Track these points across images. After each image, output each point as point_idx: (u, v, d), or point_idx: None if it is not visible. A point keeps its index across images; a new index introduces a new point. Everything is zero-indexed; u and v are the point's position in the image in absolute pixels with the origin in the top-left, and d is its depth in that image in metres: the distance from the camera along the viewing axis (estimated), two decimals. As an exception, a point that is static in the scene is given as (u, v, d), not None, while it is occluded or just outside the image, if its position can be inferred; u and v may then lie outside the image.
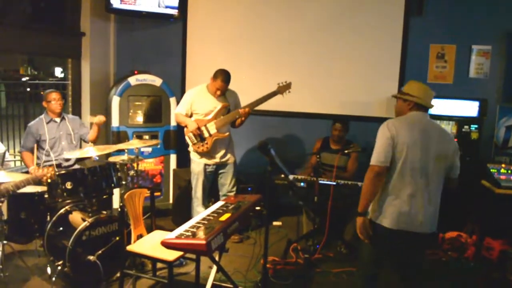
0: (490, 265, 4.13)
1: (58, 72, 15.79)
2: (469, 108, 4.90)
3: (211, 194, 4.63)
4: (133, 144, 4.13)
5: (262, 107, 4.38)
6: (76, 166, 4.33)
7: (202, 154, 4.35)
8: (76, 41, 5.32)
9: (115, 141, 4.97)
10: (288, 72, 5.27)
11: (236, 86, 4.45)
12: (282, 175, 4.21)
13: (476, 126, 4.87)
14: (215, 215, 2.77)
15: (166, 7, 5.46)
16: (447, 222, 4.57)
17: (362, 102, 5.41)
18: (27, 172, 3.97)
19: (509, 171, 4.51)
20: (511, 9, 5.08)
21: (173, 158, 5.40)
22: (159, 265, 3.56)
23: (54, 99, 4.22)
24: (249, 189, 4.97)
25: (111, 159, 4.24)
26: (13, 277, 3.56)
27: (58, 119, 4.29)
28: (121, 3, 5.24)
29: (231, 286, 3.19)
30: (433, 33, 5.28)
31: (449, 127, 4.94)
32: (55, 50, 5.29)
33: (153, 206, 3.63)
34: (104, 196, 3.93)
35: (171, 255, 2.96)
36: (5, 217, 3.48)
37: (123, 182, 4.03)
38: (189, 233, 2.44)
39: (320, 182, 4.14)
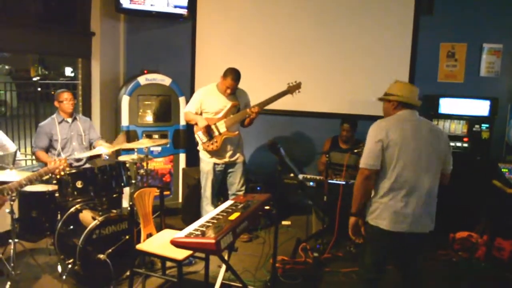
0: (501, 266, 4.09)
1: (69, 71, 15.92)
2: (480, 107, 4.86)
3: (220, 193, 4.64)
4: (143, 143, 4.16)
5: (271, 106, 4.37)
6: (87, 165, 4.36)
7: (211, 153, 4.36)
8: (86, 41, 5.36)
9: (125, 140, 4.99)
10: (297, 71, 5.27)
11: (246, 85, 4.45)
12: (292, 174, 4.21)
13: (487, 125, 4.83)
14: (224, 214, 2.77)
15: (175, 6, 5.48)
16: (457, 222, 4.57)
17: (372, 101, 5.36)
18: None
19: (521, 171, 4.46)
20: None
21: (182, 157, 5.42)
22: (168, 264, 3.58)
23: (66, 99, 4.23)
24: (258, 188, 4.98)
25: (121, 158, 4.27)
26: (24, 275, 3.60)
27: (70, 119, 4.30)
28: (130, 3, 5.27)
29: (240, 285, 3.19)
30: (443, 32, 5.24)
31: (460, 127, 4.90)
32: (66, 50, 5.33)
33: (162, 205, 3.65)
34: (114, 195, 3.96)
35: (181, 254, 2.97)
36: (16, 215, 3.51)
37: (133, 181, 4.06)
38: (199, 232, 2.44)
39: (330, 181, 4.13)
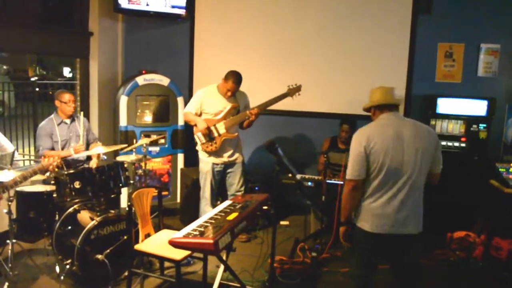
0: (499, 265, 4.10)
1: (67, 72, 15.90)
2: (478, 107, 4.87)
3: (219, 193, 4.64)
4: (142, 142, 4.16)
5: (271, 106, 4.37)
6: (85, 166, 4.35)
7: (210, 154, 4.36)
8: (85, 41, 5.36)
9: (123, 140, 4.99)
10: (296, 72, 5.27)
11: (245, 86, 4.44)
12: (290, 175, 4.21)
13: (484, 125, 4.83)
14: (223, 214, 2.77)
15: (173, 7, 5.48)
16: (455, 222, 4.58)
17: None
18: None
19: (518, 171, 4.48)
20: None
21: (180, 157, 5.41)
22: (166, 264, 3.58)
23: (68, 101, 4.18)
24: (256, 188, 4.98)
25: (119, 158, 4.26)
26: (22, 275, 3.60)
27: (68, 121, 4.28)
28: (129, 3, 5.27)
29: (238, 285, 3.20)
30: (441, 32, 5.25)
31: (458, 126, 4.91)
32: (64, 50, 5.33)
33: (160, 205, 3.65)
34: (112, 196, 3.96)
35: (179, 254, 2.97)
36: (14, 216, 3.51)
37: (131, 182, 4.06)
38: (197, 232, 2.44)
39: (328, 181, 4.14)
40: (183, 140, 5.37)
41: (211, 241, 2.31)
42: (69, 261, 3.44)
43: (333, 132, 5.08)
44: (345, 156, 4.14)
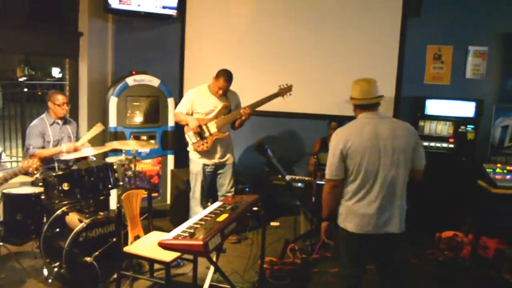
0: (486, 264, 4.14)
1: (56, 72, 15.74)
2: (466, 109, 4.92)
3: (209, 194, 4.63)
4: (129, 144, 4.13)
5: (261, 107, 4.38)
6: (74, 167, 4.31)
7: (201, 154, 4.35)
8: (74, 41, 5.31)
9: (113, 141, 4.95)
10: (286, 73, 5.28)
11: (236, 86, 4.44)
12: (280, 176, 4.22)
13: (472, 126, 4.89)
14: (213, 215, 2.77)
15: (164, 7, 5.45)
16: (443, 222, 4.63)
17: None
18: (26, 174, 3.96)
19: (505, 171, 4.53)
20: (507, 11, 5.11)
21: (170, 158, 5.40)
22: (156, 266, 3.57)
23: (61, 104, 4.13)
24: (247, 189, 4.98)
25: (108, 159, 4.24)
26: (9, 279, 3.56)
27: (60, 122, 4.24)
28: (119, 3, 5.23)
29: (228, 286, 3.19)
30: (430, 34, 5.31)
31: (446, 128, 4.96)
32: (53, 50, 5.28)
33: (150, 207, 3.63)
34: (101, 197, 3.93)
35: (169, 256, 2.97)
36: (1, 218, 3.48)
37: (120, 183, 4.04)
38: (187, 234, 2.44)
39: (318, 182, 4.15)
40: (173, 141, 5.35)
41: (201, 242, 2.31)
42: (57, 264, 3.41)
43: (323, 133, 5.10)
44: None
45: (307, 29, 5.50)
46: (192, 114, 4.34)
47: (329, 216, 2.81)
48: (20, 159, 6.24)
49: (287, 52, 5.55)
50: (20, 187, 3.88)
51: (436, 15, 5.25)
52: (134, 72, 5.19)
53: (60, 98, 4.14)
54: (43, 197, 3.54)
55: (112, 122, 5.06)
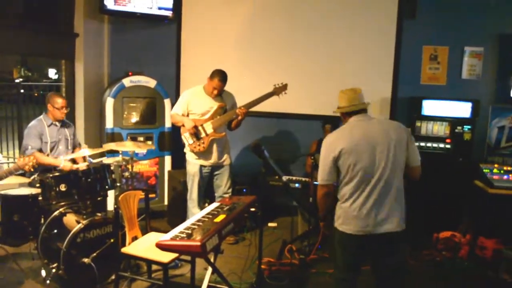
0: (484, 264, 4.15)
1: (52, 73, 15.69)
2: (462, 109, 4.94)
3: (206, 195, 4.63)
4: (126, 145, 4.12)
5: (257, 108, 4.38)
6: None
7: (198, 155, 4.35)
8: (70, 42, 5.30)
9: (109, 142, 4.95)
10: (282, 73, 5.27)
11: (231, 87, 4.45)
12: (276, 176, 4.23)
13: (469, 126, 4.91)
14: (210, 216, 2.77)
15: (160, 8, 5.45)
16: (441, 222, 4.64)
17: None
18: (23, 175, 3.95)
19: (502, 171, 4.55)
20: (503, 11, 5.14)
21: (168, 159, 5.39)
22: (154, 267, 3.56)
23: (62, 107, 4.10)
24: (244, 190, 4.98)
25: (105, 160, 4.23)
26: (7, 280, 3.56)
27: (58, 123, 4.22)
28: (115, 4, 5.23)
29: (226, 287, 3.19)
30: (426, 35, 5.33)
31: (443, 128, 4.97)
32: (49, 51, 5.27)
33: (147, 208, 3.63)
34: (99, 198, 3.93)
35: (166, 257, 2.96)
36: (-2, 219, 3.46)
37: (118, 184, 4.02)
38: (184, 235, 2.44)
39: (315, 182, 4.15)
40: (170, 142, 5.35)
41: (198, 243, 2.31)
42: (55, 265, 3.39)
43: (319, 134, 5.10)
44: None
45: (303, 30, 5.51)
46: (188, 115, 4.34)
47: (325, 215, 2.89)
48: (16, 160, 6.21)
49: (283, 53, 5.56)
50: (17, 188, 3.86)
51: (431, 16, 5.27)
52: (130, 73, 5.19)
53: (59, 102, 4.12)
54: (40, 198, 3.53)
55: (109, 123, 5.05)
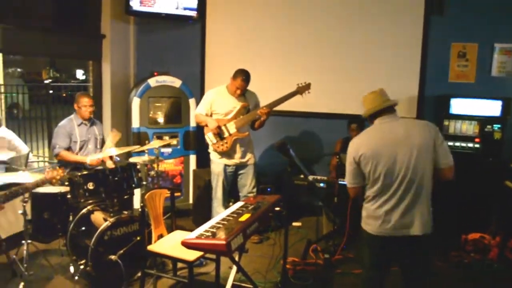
0: (514, 267, 4.05)
1: (80, 74, 16.04)
2: (492, 108, 4.81)
3: (231, 194, 4.64)
4: (154, 144, 4.18)
5: (281, 107, 4.37)
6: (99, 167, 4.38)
7: (222, 155, 4.37)
8: (97, 44, 5.41)
9: (136, 142, 5.03)
10: (307, 72, 5.26)
11: (255, 86, 4.45)
12: (302, 176, 4.20)
13: (499, 125, 4.77)
14: (235, 215, 2.78)
15: (185, 8, 5.50)
16: (469, 224, 4.53)
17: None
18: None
19: (534, 172, 4.41)
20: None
21: (192, 158, 5.44)
22: (179, 265, 3.59)
23: (84, 106, 4.21)
24: (268, 189, 4.97)
25: (132, 159, 4.30)
26: (37, 275, 3.64)
27: (88, 123, 4.31)
28: (140, 6, 5.30)
29: (251, 286, 3.20)
30: (454, 32, 5.20)
31: (471, 127, 4.86)
32: (77, 52, 5.39)
33: (173, 206, 3.66)
34: (125, 196, 3.99)
35: (191, 255, 2.98)
36: (29, 217, 3.55)
37: (144, 183, 4.08)
38: (209, 233, 2.45)
39: (340, 182, 4.12)
40: (195, 141, 5.39)
41: (223, 242, 2.32)
42: (83, 261, 3.47)
43: (343, 133, 5.06)
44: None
45: (328, 28, 5.47)
46: (211, 115, 4.37)
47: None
48: (46, 159, 6.37)
49: (308, 52, 5.53)
50: (47, 186, 3.95)
51: (459, 12, 5.14)
52: (155, 73, 5.25)
53: (83, 101, 4.22)
54: (69, 196, 3.61)
55: (135, 123, 5.12)
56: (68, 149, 4.19)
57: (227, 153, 4.36)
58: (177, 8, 5.47)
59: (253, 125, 4.44)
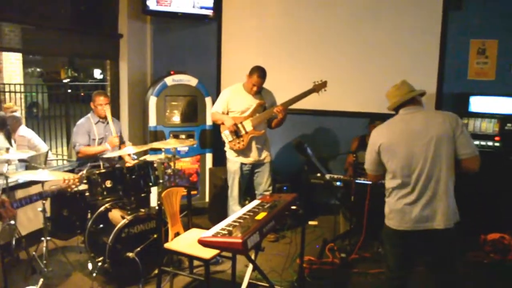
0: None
1: (97, 73, 16.24)
2: (512, 105, 4.72)
3: (247, 193, 4.65)
4: (170, 143, 4.21)
5: (297, 105, 4.35)
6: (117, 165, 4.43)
7: (238, 153, 4.37)
8: (114, 43, 5.46)
9: (153, 140, 5.05)
10: (323, 70, 5.24)
11: (272, 84, 4.45)
12: (319, 174, 4.18)
13: (520, 123, 4.68)
14: (251, 214, 2.77)
15: (201, 7, 5.52)
16: (489, 223, 4.45)
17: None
18: (72, 171, 4.09)
19: (557, 171, 4.31)
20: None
21: (209, 157, 5.46)
22: (196, 262, 3.61)
23: (100, 104, 4.26)
24: (284, 188, 4.97)
25: (149, 158, 4.33)
26: (56, 272, 3.70)
27: (105, 121, 4.36)
28: (157, 5, 5.33)
29: (267, 285, 3.20)
30: (473, 28, 5.10)
31: (491, 125, 4.77)
32: (95, 52, 5.45)
33: (189, 205, 3.68)
34: (142, 194, 4.02)
35: (208, 253, 2.99)
36: (48, 214, 3.61)
37: (161, 181, 4.11)
38: (226, 232, 2.45)
39: (357, 181, 4.09)
40: (211, 140, 5.41)
41: (239, 240, 2.32)
42: (101, 258, 3.52)
43: (359, 131, 5.02)
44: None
45: (344, 25, 5.42)
46: (228, 113, 4.37)
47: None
48: (65, 157, 6.47)
49: (325, 49, 5.49)
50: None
51: (479, 7, 5.04)
52: (172, 72, 5.28)
53: (98, 99, 4.28)
54: (87, 194, 3.65)
55: (152, 122, 5.16)
56: (88, 146, 4.26)
57: (243, 151, 4.36)
58: (193, 7, 5.49)
59: (270, 124, 4.43)
